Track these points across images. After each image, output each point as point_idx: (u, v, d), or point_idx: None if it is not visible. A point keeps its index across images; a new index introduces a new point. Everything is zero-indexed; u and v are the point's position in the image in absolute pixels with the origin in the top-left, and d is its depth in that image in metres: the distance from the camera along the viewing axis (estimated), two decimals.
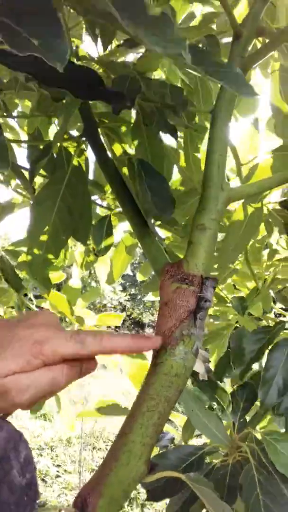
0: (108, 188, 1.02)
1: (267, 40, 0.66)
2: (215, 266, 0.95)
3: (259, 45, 0.76)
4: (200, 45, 0.74)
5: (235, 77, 0.43)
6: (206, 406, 0.72)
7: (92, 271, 1.37)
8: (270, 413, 0.80)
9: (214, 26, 0.75)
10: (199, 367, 0.50)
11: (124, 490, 0.44)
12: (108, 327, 1.38)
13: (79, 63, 0.70)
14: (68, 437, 4.01)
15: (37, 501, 0.32)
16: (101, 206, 1.09)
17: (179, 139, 0.84)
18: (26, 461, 0.32)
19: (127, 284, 11.48)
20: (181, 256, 0.55)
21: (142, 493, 3.09)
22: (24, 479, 0.31)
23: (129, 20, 0.34)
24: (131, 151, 0.81)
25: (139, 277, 1.33)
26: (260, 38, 0.71)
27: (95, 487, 0.45)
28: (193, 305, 0.49)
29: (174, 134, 0.64)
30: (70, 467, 3.57)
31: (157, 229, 0.79)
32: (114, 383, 5.35)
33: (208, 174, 0.55)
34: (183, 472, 0.54)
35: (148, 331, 11.76)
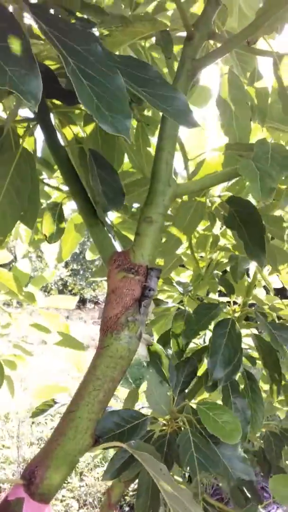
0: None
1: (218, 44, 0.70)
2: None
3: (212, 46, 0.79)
4: (154, 39, 0.76)
5: (177, 105, 0.45)
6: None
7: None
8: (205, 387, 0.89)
9: (168, 21, 0.77)
10: (141, 350, 0.54)
11: (70, 461, 0.49)
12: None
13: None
14: (5, 412, 3.99)
15: None
16: (49, 185, 1.08)
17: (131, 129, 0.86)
18: None
19: (69, 259, 11.33)
20: (132, 238, 0.58)
21: (82, 463, 3.21)
22: None
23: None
24: (83, 134, 0.81)
25: (90, 257, 1.33)
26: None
27: (42, 460, 0.48)
28: (138, 293, 0.54)
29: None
30: (8, 442, 3.58)
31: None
32: (54, 360, 5.37)
33: (156, 170, 0.58)
34: (127, 433, 0.60)
35: (90, 306, 11.79)
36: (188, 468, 0.64)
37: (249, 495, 0.79)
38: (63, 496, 2.92)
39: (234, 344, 0.77)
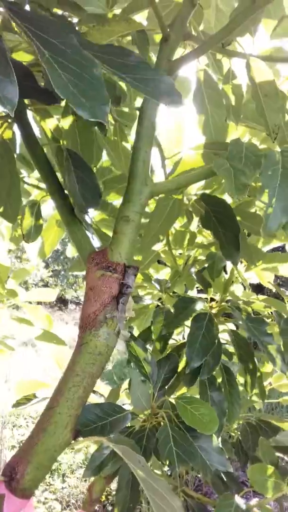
0: None
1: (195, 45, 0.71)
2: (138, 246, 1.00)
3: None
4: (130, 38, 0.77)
5: (159, 85, 0.45)
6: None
7: (11, 248, 1.34)
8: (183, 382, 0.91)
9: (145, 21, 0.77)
10: (120, 346, 0.55)
11: (50, 456, 0.49)
12: (39, 302, 1.37)
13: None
14: None
15: None
16: (28, 184, 1.07)
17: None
18: None
19: (50, 260, 11.21)
20: (110, 234, 0.59)
21: (63, 464, 3.19)
22: None
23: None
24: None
25: (71, 253, 1.32)
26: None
27: (23, 456, 0.49)
28: (116, 291, 0.54)
29: (102, 128, 0.67)
30: None
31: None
32: (34, 359, 5.33)
33: (133, 169, 0.59)
34: (110, 425, 0.61)
35: (71, 307, 11.71)
36: (167, 461, 0.66)
37: (228, 484, 0.81)
38: (45, 498, 2.90)
39: (211, 336, 0.79)
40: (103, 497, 2.79)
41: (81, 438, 0.52)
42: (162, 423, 0.76)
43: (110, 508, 2.73)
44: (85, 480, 2.97)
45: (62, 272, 11.54)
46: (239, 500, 0.77)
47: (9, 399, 3.83)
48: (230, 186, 0.54)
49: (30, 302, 1.27)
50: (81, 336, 0.54)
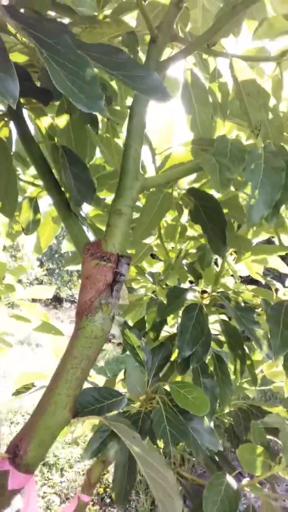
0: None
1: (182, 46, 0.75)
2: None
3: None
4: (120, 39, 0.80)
5: (148, 81, 0.47)
6: None
7: (6, 245, 1.37)
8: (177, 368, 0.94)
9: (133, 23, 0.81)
10: (115, 330, 0.59)
11: (51, 434, 0.53)
12: (34, 300, 1.40)
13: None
14: None
15: None
16: (23, 181, 1.10)
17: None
18: None
19: (44, 258, 11.20)
20: (104, 229, 0.63)
21: (62, 459, 3.23)
22: None
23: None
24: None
25: (66, 248, 1.35)
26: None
27: (25, 434, 0.52)
28: (110, 278, 0.58)
29: (95, 125, 0.70)
30: None
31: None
32: (31, 357, 5.36)
33: (124, 166, 0.63)
34: (106, 408, 0.65)
35: (66, 305, 11.71)
36: (161, 441, 0.70)
37: (221, 464, 0.85)
38: (44, 492, 2.93)
39: (201, 326, 0.83)
40: (101, 489, 2.84)
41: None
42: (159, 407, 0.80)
43: (108, 500, 2.78)
44: (83, 474, 3.01)
45: (57, 271, 11.52)
46: (230, 479, 0.81)
47: (6, 398, 3.86)
48: (216, 180, 0.57)
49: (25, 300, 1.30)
50: (78, 321, 0.57)
